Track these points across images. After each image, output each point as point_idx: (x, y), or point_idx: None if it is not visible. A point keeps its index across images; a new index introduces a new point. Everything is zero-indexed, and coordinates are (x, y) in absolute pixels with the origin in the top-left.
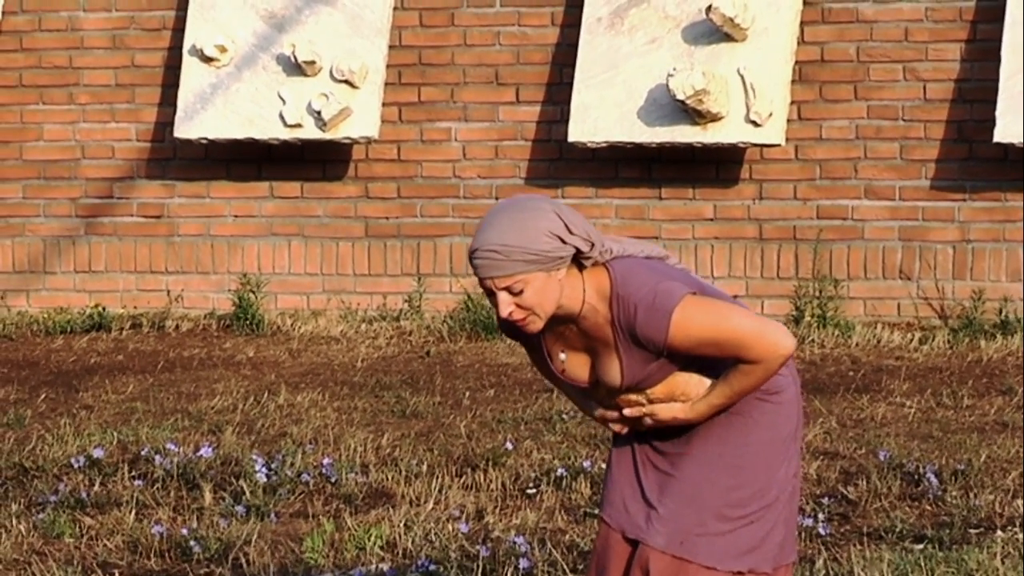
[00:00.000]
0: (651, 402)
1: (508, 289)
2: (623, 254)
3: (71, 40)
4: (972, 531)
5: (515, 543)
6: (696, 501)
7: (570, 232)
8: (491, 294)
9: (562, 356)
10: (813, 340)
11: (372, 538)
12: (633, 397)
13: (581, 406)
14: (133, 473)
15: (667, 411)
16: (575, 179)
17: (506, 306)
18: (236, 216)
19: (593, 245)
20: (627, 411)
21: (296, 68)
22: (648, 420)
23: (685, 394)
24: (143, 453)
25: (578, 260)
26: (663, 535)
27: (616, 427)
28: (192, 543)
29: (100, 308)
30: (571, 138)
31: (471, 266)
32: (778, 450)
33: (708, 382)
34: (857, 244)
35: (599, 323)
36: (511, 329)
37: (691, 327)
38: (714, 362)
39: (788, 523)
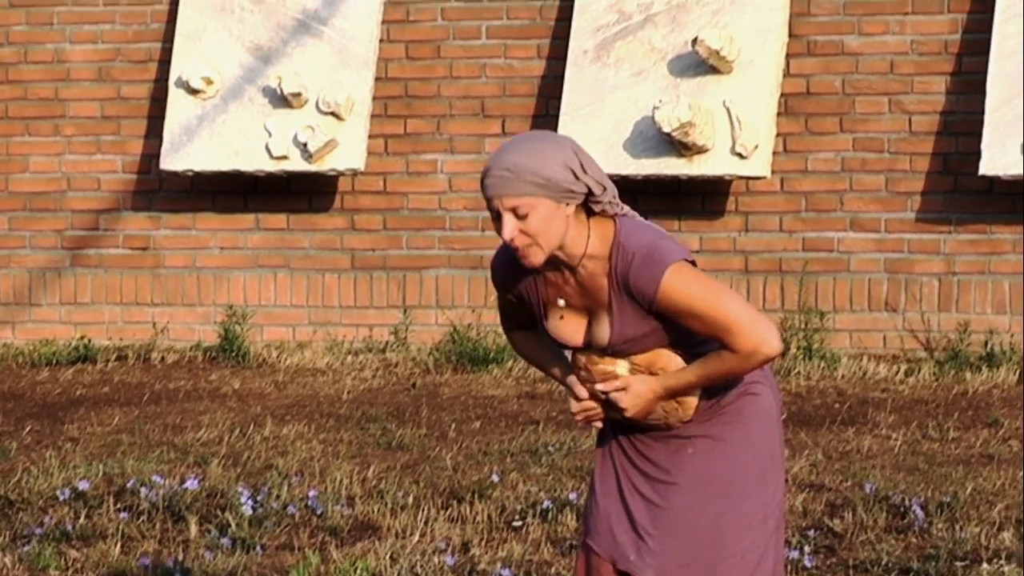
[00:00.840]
0: (633, 372)
1: (514, 211)
2: (630, 215)
3: (57, 72)
4: (958, 564)
5: (501, 575)
6: (686, 532)
7: (584, 170)
8: (497, 218)
9: (560, 302)
10: (799, 372)
11: (358, 571)
12: (611, 366)
13: (550, 369)
14: (119, 505)
15: (639, 384)
16: None
17: (510, 229)
18: (222, 248)
19: (605, 190)
20: (600, 386)
21: (282, 100)
22: (619, 395)
23: (664, 370)
24: (129, 485)
25: (588, 205)
26: (654, 568)
27: (578, 403)
28: (178, 575)
29: (86, 340)
30: None
31: (482, 188)
32: (763, 474)
33: None
34: (843, 276)
35: (596, 272)
36: (505, 273)
37: (682, 289)
38: (700, 350)
39: (777, 548)
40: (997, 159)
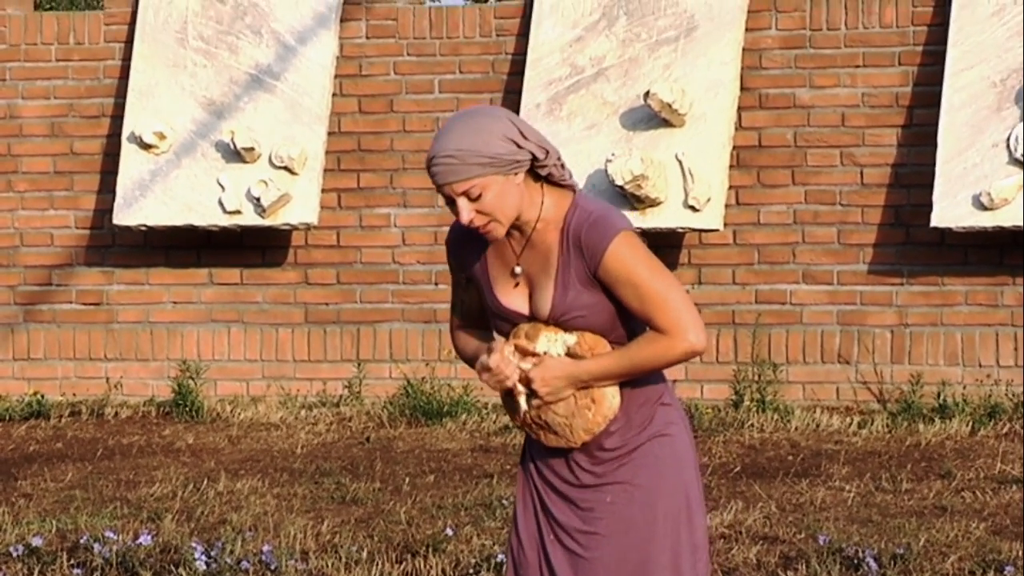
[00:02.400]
0: (570, 354)
1: (467, 194)
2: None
3: (9, 128)
4: None
5: None
6: None
7: (524, 137)
8: (451, 202)
9: (518, 269)
10: (752, 424)
11: None
12: (533, 342)
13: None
14: (72, 561)
15: (554, 362)
16: None
17: (467, 212)
18: (175, 303)
19: (548, 153)
20: (519, 362)
21: (235, 155)
22: (532, 371)
23: (596, 351)
24: (82, 541)
25: (535, 171)
26: None
27: (489, 373)
28: None
29: (39, 395)
30: None
31: (429, 176)
32: (684, 517)
33: None
34: (796, 328)
35: (548, 232)
36: (458, 249)
37: (629, 255)
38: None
39: None
40: (948, 211)
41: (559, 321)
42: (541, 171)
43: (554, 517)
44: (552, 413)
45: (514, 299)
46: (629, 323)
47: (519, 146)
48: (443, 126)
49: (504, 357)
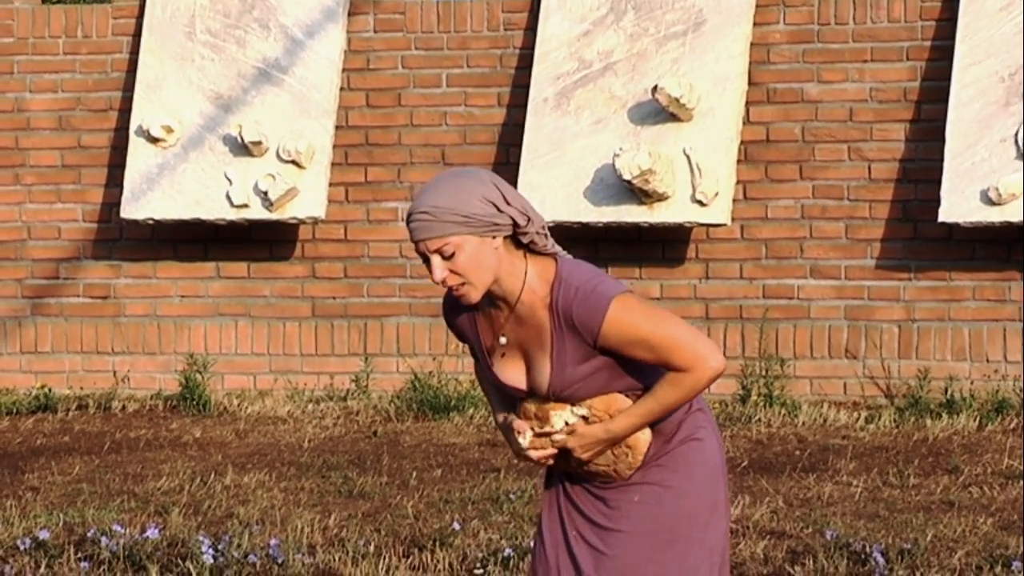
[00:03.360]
0: (588, 419)
1: (440, 252)
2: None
3: (17, 121)
4: None
5: None
6: None
7: (506, 202)
8: (426, 260)
9: (503, 339)
10: (760, 419)
11: None
12: (556, 411)
13: (497, 415)
14: (79, 555)
15: (592, 432)
16: None
17: (439, 270)
18: (183, 296)
19: (530, 220)
20: (557, 437)
21: (243, 148)
22: (566, 439)
23: (620, 410)
24: (89, 535)
25: (517, 238)
26: None
27: (523, 440)
28: None
29: (46, 389)
30: None
31: (408, 232)
32: (708, 521)
33: None
34: (803, 323)
35: (536, 307)
36: (451, 314)
37: (626, 318)
38: (640, 393)
39: None
40: (956, 206)
41: (560, 397)
42: (523, 238)
43: (580, 512)
44: (594, 465)
45: (510, 373)
46: (633, 371)
47: (499, 209)
48: (426, 183)
49: (532, 441)
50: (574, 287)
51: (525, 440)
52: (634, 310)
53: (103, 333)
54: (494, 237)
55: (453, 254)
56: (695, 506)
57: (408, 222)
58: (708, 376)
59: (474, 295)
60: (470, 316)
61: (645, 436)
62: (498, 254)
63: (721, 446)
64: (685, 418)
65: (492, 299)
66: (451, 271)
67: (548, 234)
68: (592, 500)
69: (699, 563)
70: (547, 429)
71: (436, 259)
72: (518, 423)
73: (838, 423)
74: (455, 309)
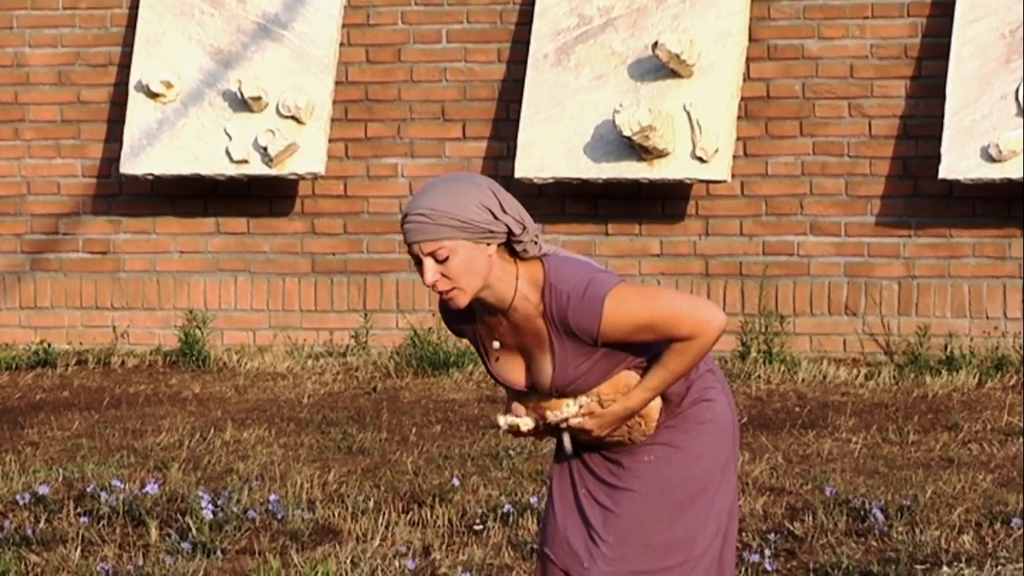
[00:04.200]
0: (601, 403)
1: (433, 255)
2: (555, 253)
3: (16, 76)
4: (918, 567)
5: None
6: (640, 540)
7: (503, 210)
8: (418, 262)
9: (496, 344)
10: (759, 376)
11: (319, 575)
12: (571, 403)
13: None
14: (79, 510)
15: (610, 411)
16: None
17: (431, 273)
18: (182, 252)
19: (526, 229)
20: (574, 421)
21: (242, 104)
22: (584, 420)
23: (629, 387)
24: (89, 490)
25: (511, 246)
26: (607, 575)
27: (524, 428)
28: None
29: (45, 344)
30: (518, 174)
31: (402, 233)
32: (717, 479)
33: None
34: (803, 280)
35: (531, 314)
36: (447, 316)
37: (623, 311)
38: (648, 358)
39: (728, 543)
40: (957, 163)
41: (563, 393)
42: (517, 246)
43: (591, 471)
44: (608, 437)
45: (509, 373)
46: (635, 349)
47: (495, 217)
48: (423, 186)
49: (514, 420)
50: (565, 293)
51: (525, 425)
52: (628, 301)
53: (102, 288)
54: (488, 244)
55: (447, 258)
56: (705, 467)
57: (403, 223)
58: (713, 337)
59: (462, 300)
60: (468, 317)
61: (656, 403)
62: (490, 261)
63: (732, 406)
64: (695, 380)
65: (485, 306)
66: (443, 275)
67: (539, 240)
68: (603, 461)
69: (707, 522)
70: (558, 415)
71: (429, 262)
72: (517, 407)
73: (838, 380)
74: (452, 312)
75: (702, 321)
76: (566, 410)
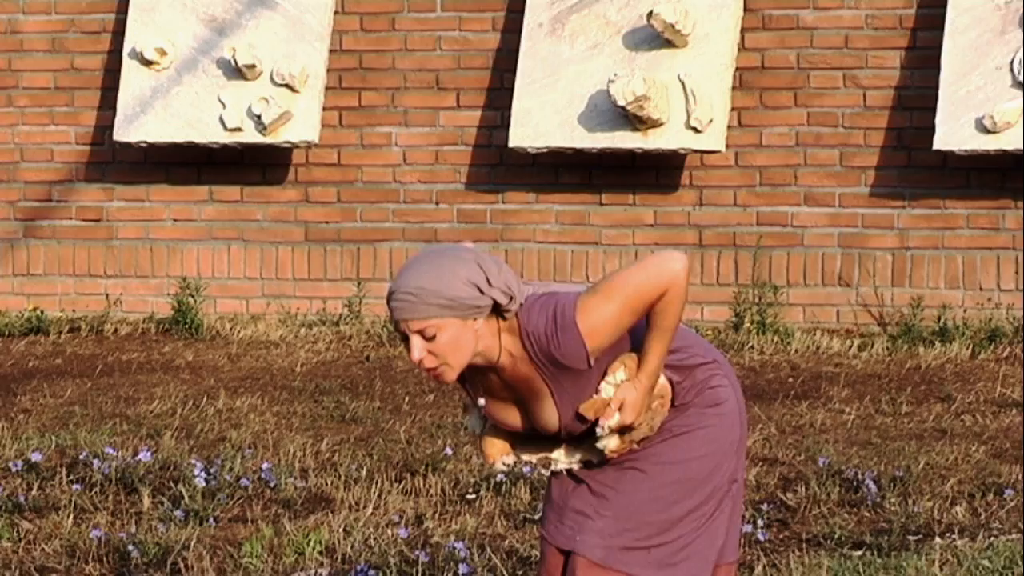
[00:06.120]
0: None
1: (421, 333)
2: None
3: (10, 43)
4: (911, 538)
5: (454, 548)
6: (638, 518)
7: (489, 284)
8: (405, 339)
9: (481, 402)
10: (752, 346)
11: (311, 543)
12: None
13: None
14: (71, 477)
15: (634, 398)
16: (515, 184)
17: (418, 351)
18: (175, 220)
19: (512, 299)
20: (613, 422)
21: (236, 72)
22: (627, 417)
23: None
24: (81, 457)
25: (498, 311)
26: (600, 548)
27: (613, 445)
28: (131, 548)
29: (38, 311)
30: (512, 143)
31: (388, 310)
32: (720, 460)
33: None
34: (797, 251)
35: (518, 366)
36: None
37: (597, 319)
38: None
39: (732, 522)
40: (951, 134)
41: (570, 427)
42: (505, 315)
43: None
44: (638, 431)
45: (503, 416)
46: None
47: (482, 292)
48: (409, 260)
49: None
50: (542, 335)
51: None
52: (595, 308)
53: (95, 256)
54: (475, 319)
55: (434, 336)
56: (711, 447)
57: (389, 300)
58: (682, 281)
59: (450, 376)
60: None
61: (666, 385)
62: (477, 334)
63: (738, 391)
64: (697, 368)
65: (473, 368)
66: (430, 352)
67: (523, 302)
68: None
69: (705, 504)
70: (608, 429)
71: (416, 339)
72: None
73: (831, 351)
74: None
75: (665, 275)
76: (607, 435)
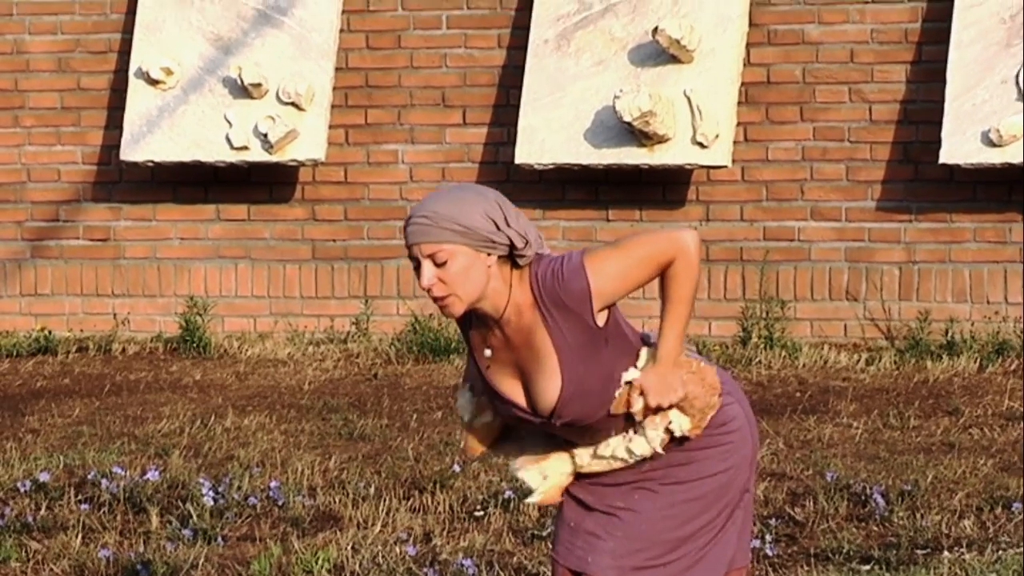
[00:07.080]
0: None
1: (432, 258)
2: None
3: (16, 63)
4: (919, 552)
5: (463, 566)
6: (650, 537)
7: (507, 224)
8: (417, 265)
9: (487, 352)
10: (760, 361)
11: (319, 561)
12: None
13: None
14: (79, 497)
15: (652, 370)
16: (522, 201)
17: (428, 276)
18: (182, 239)
19: (528, 243)
20: (638, 408)
21: (242, 90)
22: (651, 399)
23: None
24: (90, 477)
25: (513, 258)
26: (612, 569)
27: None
28: (139, 567)
29: (46, 331)
30: (518, 160)
31: (404, 236)
32: (733, 476)
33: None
34: (804, 265)
35: (524, 316)
36: (459, 321)
37: (604, 265)
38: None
39: (743, 529)
40: (957, 148)
41: (569, 410)
42: (520, 260)
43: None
44: (685, 414)
45: (506, 387)
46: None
47: (498, 227)
48: (431, 192)
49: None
50: (548, 274)
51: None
52: (604, 257)
53: (103, 275)
54: (489, 254)
55: (445, 262)
56: (722, 466)
57: (406, 226)
58: (693, 249)
59: (457, 308)
60: (465, 326)
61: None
62: (489, 272)
63: (748, 410)
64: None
65: (479, 316)
66: (440, 279)
67: (540, 252)
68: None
69: (717, 521)
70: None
71: (427, 264)
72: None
73: (838, 365)
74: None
75: (676, 243)
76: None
